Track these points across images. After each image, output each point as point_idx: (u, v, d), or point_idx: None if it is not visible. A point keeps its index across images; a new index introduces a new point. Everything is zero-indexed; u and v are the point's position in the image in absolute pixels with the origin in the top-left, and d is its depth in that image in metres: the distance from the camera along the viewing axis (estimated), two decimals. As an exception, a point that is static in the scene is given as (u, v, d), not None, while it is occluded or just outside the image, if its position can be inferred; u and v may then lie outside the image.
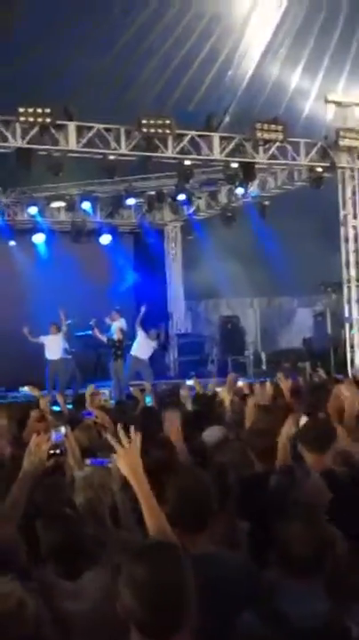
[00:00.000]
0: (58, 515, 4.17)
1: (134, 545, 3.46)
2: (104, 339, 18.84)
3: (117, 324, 19.10)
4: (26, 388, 13.11)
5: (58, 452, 4.91)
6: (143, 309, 18.94)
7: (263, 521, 4.18)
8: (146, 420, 7.68)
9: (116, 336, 18.59)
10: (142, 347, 18.97)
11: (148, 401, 11.00)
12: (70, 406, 11.39)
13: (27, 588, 2.87)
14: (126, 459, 3.63)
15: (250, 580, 3.58)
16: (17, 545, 3.92)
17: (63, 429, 5.50)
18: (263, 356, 23.11)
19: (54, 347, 18.91)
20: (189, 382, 10.55)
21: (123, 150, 17.23)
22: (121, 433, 3.71)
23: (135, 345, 18.90)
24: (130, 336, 19.10)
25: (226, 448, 5.38)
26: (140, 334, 18.93)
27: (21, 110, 15.87)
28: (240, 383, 11.74)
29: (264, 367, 22.24)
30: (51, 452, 4.66)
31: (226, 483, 4.39)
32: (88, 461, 5.15)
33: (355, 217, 20.25)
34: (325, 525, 3.60)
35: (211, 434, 6.48)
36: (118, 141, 17.19)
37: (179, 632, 2.64)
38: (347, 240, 20.28)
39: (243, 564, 3.77)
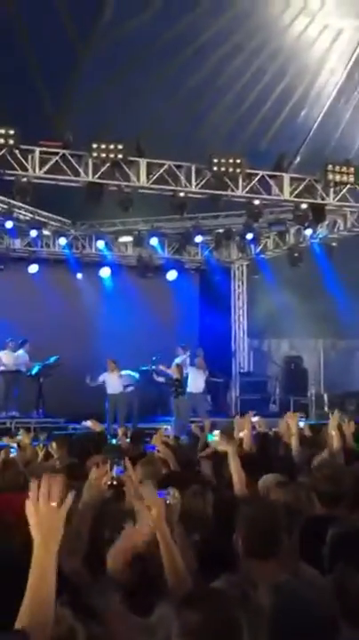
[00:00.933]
0: None
1: (188, 589, 3.41)
2: (162, 380, 19.10)
3: (176, 361, 19.22)
4: (88, 423, 13.13)
5: (116, 483, 4.88)
6: (187, 355, 19.72)
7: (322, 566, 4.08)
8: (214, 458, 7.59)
9: (175, 375, 18.64)
10: (194, 380, 19.18)
11: (210, 438, 10.90)
12: (128, 440, 11.40)
13: (80, 617, 2.83)
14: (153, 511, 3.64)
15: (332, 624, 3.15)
16: (82, 578, 3.86)
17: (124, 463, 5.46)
18: (326, 397, 22.83)
19: (114, 382, 19.04)
20: (254, 419, 10.40)
21: (193, 188, 17.30)
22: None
23: (189, 382, 19.05)
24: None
25: (288, 488, 5.27)
26: (190, 370, 19.18)
27: (94, 146, 16.10)
28: (301, 424, 11.56)
29: (326, 409, 21.92)
30: (110, 482, 4.64)
31: (289, 521, 4.31)
32: None
33: None
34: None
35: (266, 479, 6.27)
36: (189, 179, 17.28)
37: None
38: None
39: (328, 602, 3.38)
